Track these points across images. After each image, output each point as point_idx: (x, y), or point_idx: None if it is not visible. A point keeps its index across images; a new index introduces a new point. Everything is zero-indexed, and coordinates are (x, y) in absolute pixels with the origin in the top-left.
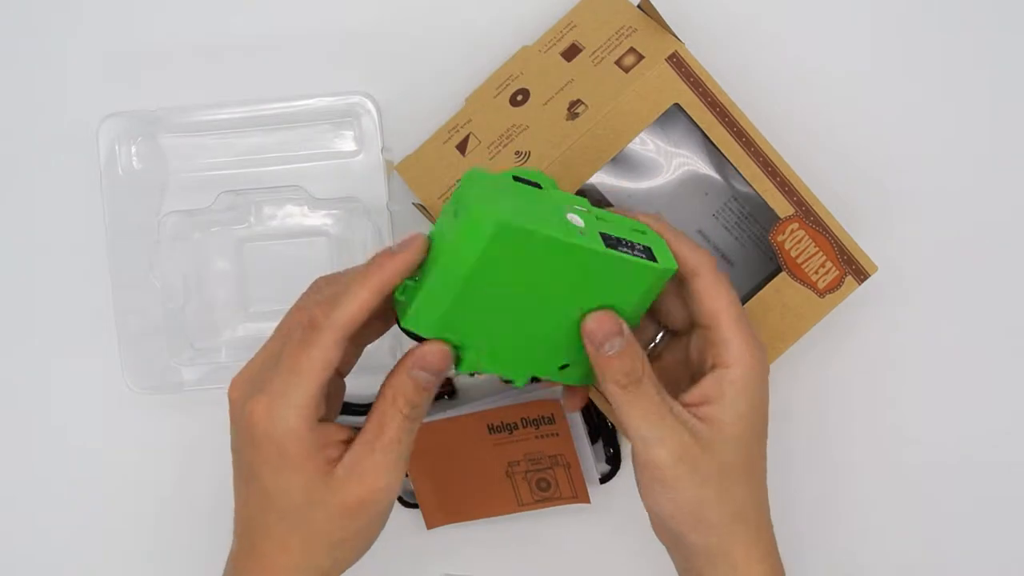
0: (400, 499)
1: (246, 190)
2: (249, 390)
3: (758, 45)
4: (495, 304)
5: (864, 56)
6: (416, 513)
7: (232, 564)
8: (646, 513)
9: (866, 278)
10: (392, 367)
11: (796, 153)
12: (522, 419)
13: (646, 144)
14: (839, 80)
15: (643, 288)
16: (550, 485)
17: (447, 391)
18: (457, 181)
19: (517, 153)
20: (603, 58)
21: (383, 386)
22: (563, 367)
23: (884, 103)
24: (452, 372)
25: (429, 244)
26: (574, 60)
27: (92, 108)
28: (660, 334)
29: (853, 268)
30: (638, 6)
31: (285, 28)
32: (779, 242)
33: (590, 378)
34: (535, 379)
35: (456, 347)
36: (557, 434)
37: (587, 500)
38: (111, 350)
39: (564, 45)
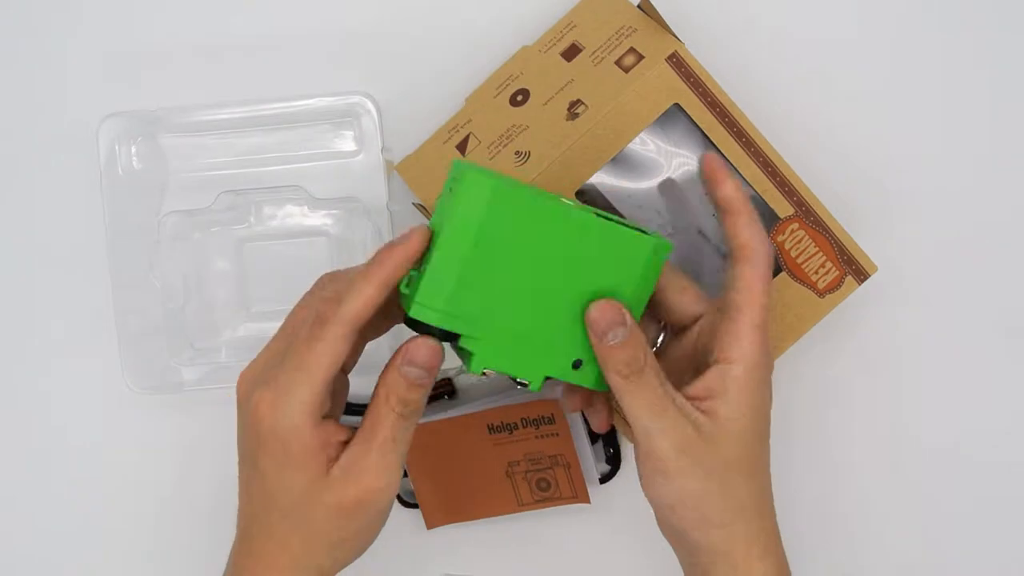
0: (400, 499)
1: (246, 190)
2: (256, 385)
3: (758, 45)
4: (499, 286)
5: (864, 56)
6: (416, 513)
7: (233, 559)
8: (647, 513)
9: (866, 278)
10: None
11: (796, 153)
12: (522, 419)
13: (646, 144)
14: (839, 80)
15: (641, 263)
16: (550, 485)
17: (447, 391)
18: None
19: (517, 153)
20: (603, 58)
21: (377, 385)
22: (577, 366)
23: (884, 103)
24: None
25: (429, 234)
26: (574, 60)
27: (92, 108)
28: (661, 336)
29: (853, 268)
30: (638, 6)
31: (285, 28)
32: (779, 242)
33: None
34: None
35: (465, 347)
36: (557, 434)
37: (587, 500)
38: (111, 350)
39: (564, 45)
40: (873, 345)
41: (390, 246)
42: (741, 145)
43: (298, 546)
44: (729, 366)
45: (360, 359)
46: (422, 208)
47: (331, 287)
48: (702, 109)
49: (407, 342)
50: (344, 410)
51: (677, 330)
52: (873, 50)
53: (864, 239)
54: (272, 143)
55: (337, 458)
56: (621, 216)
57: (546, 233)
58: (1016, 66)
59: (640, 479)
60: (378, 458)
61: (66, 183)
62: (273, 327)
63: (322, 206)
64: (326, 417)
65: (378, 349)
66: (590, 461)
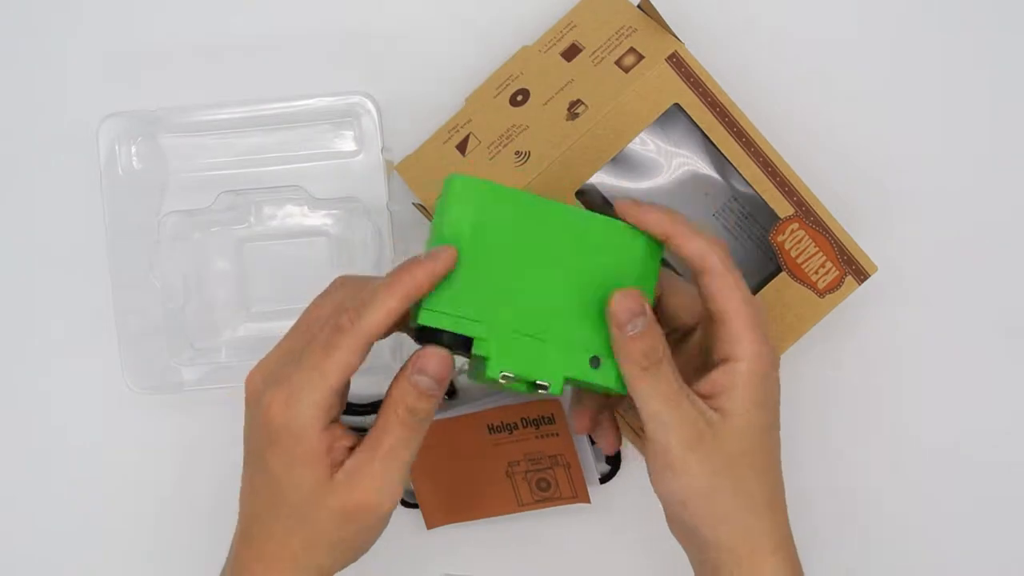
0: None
1: (246, 190)
2: (268, 383)
3: (758, 45)
4: (504, 285)
5: (864, 56)
6: (416, 513)
7: (233, 553)
8: (647, 513)
9: (866, 278)
10: (395, 369)
11: (796, 153)
12: (522, 419)
13: (646, 144)
14: (839, 80)
15: (638, 259)
16: (550, 485)
17: (447, 391)
18: None
19: (517, 153)
20: (603, 58)
21: (386, 394)
22: (595, 364)
23: (884, 103)
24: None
25: (456, 254)
26: (574, 60)
27: (92, 108)
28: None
29: (853, 268)
30: (638, 6)
31: (285, 28)
32: (779, 242)
33: (623, 388)
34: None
35: (479, 353)
36: (557, 434)
37: (587, 500)
38: (111, 350)
39: (564, 45)
40: (873, 345)
41: (417, 261)
42: (741, 145)
43: (299, 542)
44: (735, 364)
45: None
46: (422, 208)
47: (353, 296)
48: (702, 109)
49: (418, 351)
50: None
51: (680, 334)
52: (873, 50)
53: (864, 239)
54: (272, 143)
55: (342, 463)
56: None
57: (541, 230)
58: (1016, 66)
59: (650, 475)
60: (382, 466)
61: (66, 183)
62: (273, 327)
63: (322, 206)
64: (333, 421)
65: (378, 349)
66: (590, 461)
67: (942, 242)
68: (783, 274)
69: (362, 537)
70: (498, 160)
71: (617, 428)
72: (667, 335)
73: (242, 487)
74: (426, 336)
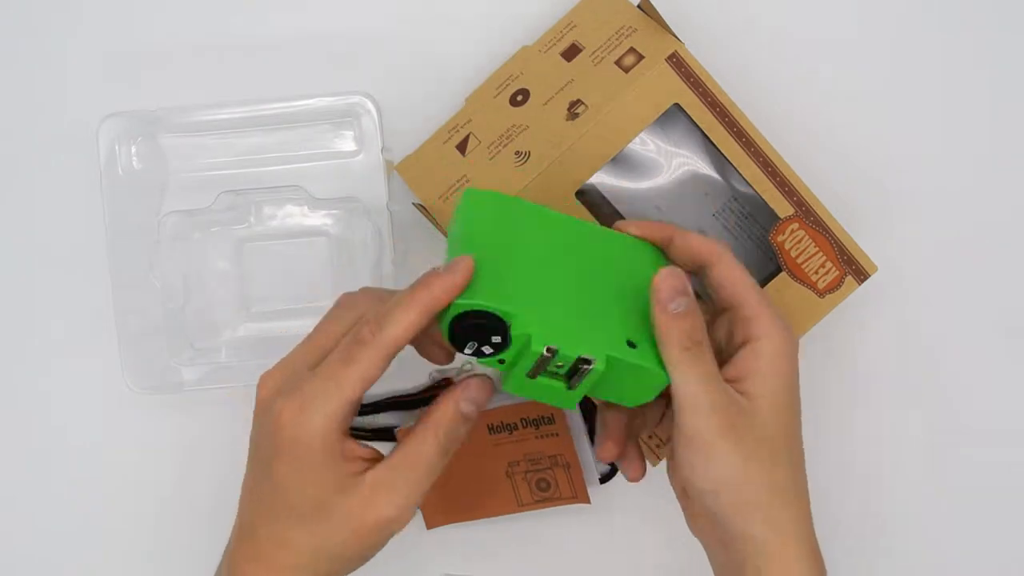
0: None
1: (246, 190)
2: (279, 392)
3: (758, 45)
4: (529, 283)
5: (864, 56)
6: (416, 513)
7: (229, 557)
8: (646, 513)
9: (866, 278)
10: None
11: (796, 153)
12: (522, 419)
13: (646, 144)
14: (839, 80)
15: (649, 261)
16: (550, 485)
17: None
18: (457, 181)
19: (517, 153)
20: (603, 58)
21: (423, 418)
22: (632, 346)
23: (884, 103)
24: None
25: (474, 266)
26: (574, 60)
27: (92, 108)
28: None
29: (853, 268)
30: (638, 6)
31: (285, 28)
32: (779, 242)
33: (662, 374)
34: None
35: (520, 331)
36: (557, 434)
37: (587, 500)
38: (111, 350)
39: (564, 45)
40: (873, 345)
41: (436, 274)
42: (741, 145)
43: (301, 549)
44: (758, 343)
45: None
46: (422, 208)
47: (372, 309)
48: (702, 109)
49: (464, 381)
50: None
51: None
52: (873, 50)
53: (864, 239)
54: (272, 143)
55: (360, 474)
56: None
57: (555, 238)
58: (1016, 66)
59: (678, 468)
60: (408, 485)
61: (66, 183)
62: (273, 327)
63: (322, 206)
64: (345, 433)
65: None
66: (590, 461)
67: (942, 242)
68: (783, 274)
69: (370, 551)
70: (498, 160)
71: (642, 456)
72: None
73: (244, 491)
74: (460, 333)
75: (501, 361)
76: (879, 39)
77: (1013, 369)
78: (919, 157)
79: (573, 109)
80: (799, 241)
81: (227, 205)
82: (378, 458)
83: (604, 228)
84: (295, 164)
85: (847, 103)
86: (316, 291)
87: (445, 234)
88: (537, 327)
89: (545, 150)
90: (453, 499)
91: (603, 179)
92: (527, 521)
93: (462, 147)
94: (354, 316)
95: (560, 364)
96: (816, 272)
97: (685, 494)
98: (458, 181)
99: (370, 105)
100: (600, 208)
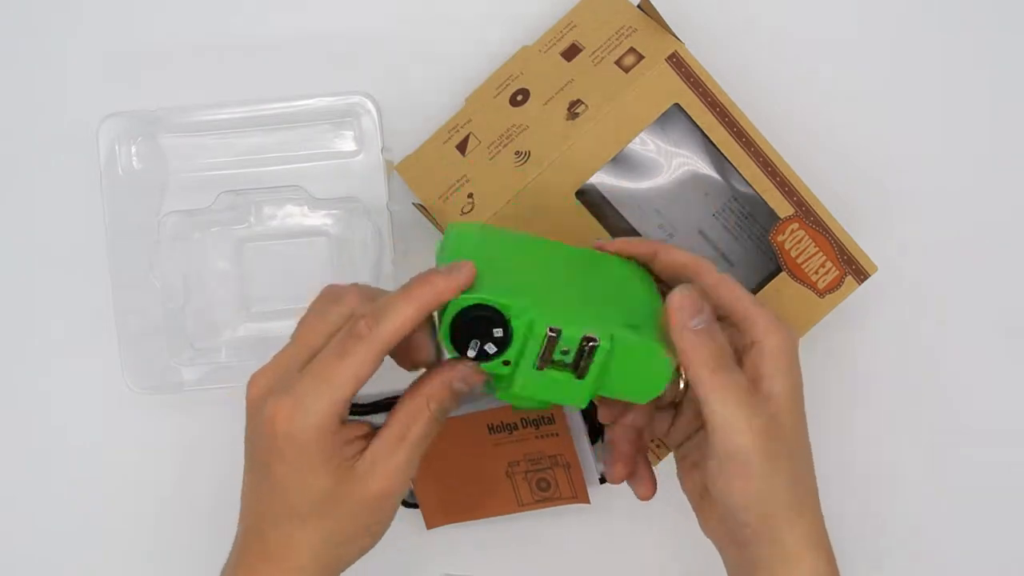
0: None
1: (246, 190)
2: (270, 392)
3: (758, 45)
4: (525, 291)
5: (864, 56)
6: (416, 513)
7: (236, 557)
8: (646, 513)
9: (866, 278)
10: (392, 367)
11: (796, 153)
12: (522, 419)
13: (646, 144)
14: (839, 80)
15: (639, 275)
16: (550, 485)
17: None
18: (457, 181)
19: (517, 153)
20: (603, 58)
21: (413, 390)
22: (633, 329)
23: (884, 103)
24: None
25: (475, 271)
26: (574, 60)
27: (92, 108)
28: (681, 383)
29: (853, 268)
30: (638, 6)
31: (285, 28)
32: (779, 242)
33: (667, 358)
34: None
35: (520, 319)
36: (557, 434)
37: (587, 500)
38: (111, 350)
39: (564, 45)
40: (873, 345)
41: (436, 272)
42: (741, 145)
43: (307, 544)
44: (763, 343)
45: None
46: (422, 208)
47: (364, 304)
48: (702, 109)
49: (460, 364)
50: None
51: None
52: (873, 50)
53: (864, 239)
54: (272, 143)
55: (359, 453)
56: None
57: (542, 258)
58: (1016, 66)
59: (707, 483)
60: (406, 455)
61: (66, 183)
62: (273, 327)
63: (322, 206)
64: (343, 421)
65: None
66: (590, 461)
67: (942, 242)
68: (783, 274)
69: (381, 523)
70: (498, 160)
71: (653, 473)
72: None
73: (245, 493)
74: (462, 329)
75: (506, 363)
76: (879, 39)
77: (1013, 369)
78: (919, 157)
79: (573, 109)
80: (799, 241)
81: (227, 205)
82: (372, 432)
83: (590, 250)
84: (295, 164)
85: (847, 103)
86: (316, 291)
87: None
88: (538, 313)
89: (545, 150)
90: (453, 499)
91: (603, 179)
92: (527, 521)
93: (462, 147)
94: (340, 312)
95: (565, 350)
96: (816, 272)
97: (704, 500)
98: (458, 181)
99: (370, 105)
100: (600, 208)
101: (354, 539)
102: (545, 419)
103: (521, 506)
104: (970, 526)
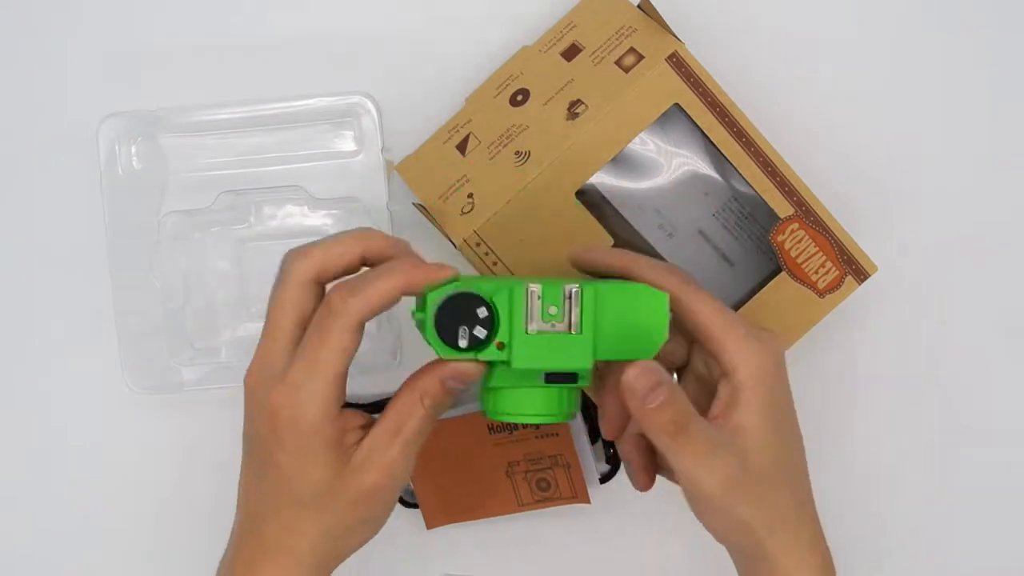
0: (400, 499)
1: (246, 190)
2: (266, 381)
3: (758, 45)
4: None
5: (864, 56)
6: (416, 513)
7: (236, 550)
8: (647, 513)
9: (866, 278)
10: (396, 370)
11: (796, 153)
12: None
13: (646, 144)
14: (839, 80)
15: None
16: (550, 485)
17: None
18: (457, 181)
19: (517, 153)
20: (603, 58)
21: (408, 384)
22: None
23: (884, 103)
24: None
25: (456, 276)
26: (574, 60)
27: (92, 108)
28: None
29: (853, 268)
30: (638, 6)
31: (285, 28)
32: (779, 242)
33: (660, 293)
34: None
35: (507, 298)
36: (557, 434)
37: (587, 500)
38: (111, 350)
39: (564, 45)
40: (873, 345)
41: (419, 257)
42: (741, 145)
43: (308, 533)
44: (731, 375)
45: (356, 359)
46: (422, 208)
47: (343, 282)
48: (702, 109)
49: (456, 363)
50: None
51: (682, 368)
52: (873, 50)
53: (864, 239)
54: (272, 143)
55: (356, 444)
56: None
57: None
58: (1016, 66)
59: (690, 507)
60: (401, 450)
61: (66, 183)
62: None
63: (322, 206)
64: (342, 407)
65: (378, 350)
66: (590, 461)
67: (942, 242)
68: (783, 274)
69: (378, 516)
70: (498, 160)
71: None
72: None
73: (243, 487)
74: (447, 316)
75: (500, 347)
76: (879, 39)
77: (1013, 369)
78: (919, 157)
79: (573, 109)
80: (799, 241)
81: (227, 205)
82: (371, 423)
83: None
84: (295, 164)
85: (847, 103)
86: None
87: (445, 234)
88: (517, 286)
89: (545, 150)
90: (453, 499)
91: (603, 179)
92: (527, 521)
93: (462, 147)
94: (295, 282)
95: (552, 309)
96: (816, 272)
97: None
98: (458, 181)
99: (370, 105)
100: (600, 208)
101: (351, 532)
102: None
103: (521, 506)
104: (970, 526)
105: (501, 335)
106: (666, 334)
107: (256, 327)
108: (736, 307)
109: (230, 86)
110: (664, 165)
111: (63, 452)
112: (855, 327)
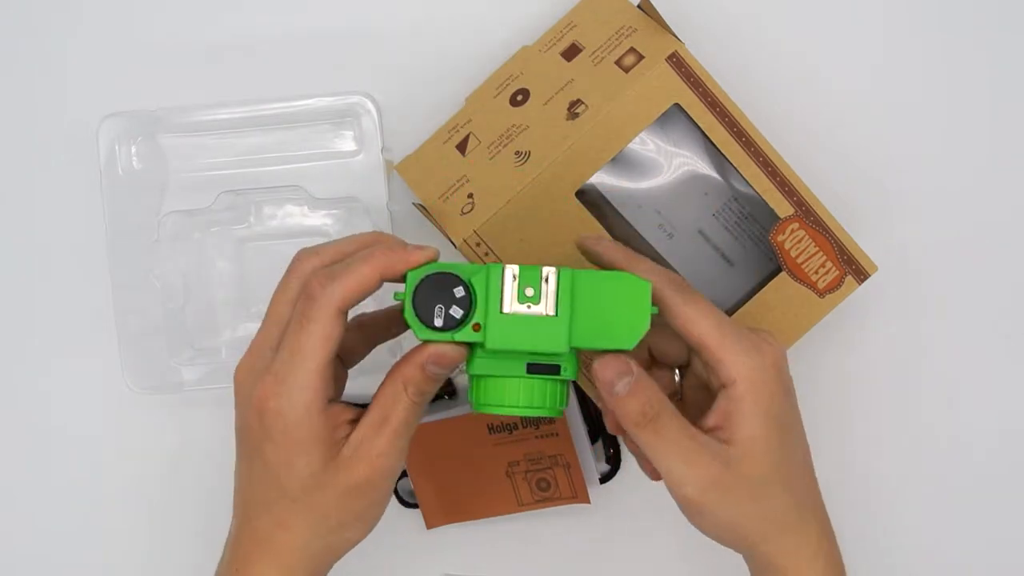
0: (400, 499)
1: (246, 190)
2: (255, 376)
3: (758, 45)
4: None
5: (864, 56)
6: (416, 513)
7: (232, 547)
8: (646, 513)
9: (866, 278)
10: (399, 360)
11: (796, 153)
12: (522, 419)
13: (646, 144)
14: (839, 80)
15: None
16: (550, 485)
17: (447, 391)
18: (457, 181)
19: (517, 153)
20: (603, 58)
21: (391, 373)
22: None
23: (884, 103)
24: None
25: (436, 257)
26: (574, 60)
27: (92, 108)
28: (677, 376)
29: (853, 268)
30: (638, 6)
31: (285, 28)
32: (779, 242)
33: (641, 280)
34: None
35: (482, 278)
36: (557, 434)
37: (587, 500)
38: (111, 350)
39: (564, 45)
40: (873, 345)
41: (398, 240)
42: (741, 145)
43: (301, 527)
44: (731, 387)
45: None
46: (422, 208)
47: (322, 269)
48: (702, 109)
49: (434, 346)
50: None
51: (684, 367)
52: (873, 50)
53: (864, 239)
54: (272, 143)
55: (346, 438)
56: None
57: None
58: (1016, 66)
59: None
60: (389, 441)
61: (66, 183)
62: None
63: (322, 206)
64: (332, 400)
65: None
66: (590, 461)
67: (942, 242)
68: (783, 274)
69: (370, 511)
70: (498, 160)
71: None
72: (677, 377)
73: (238, 481)
74: (424, 294)
75: (476, 328)
76: (879, 39)
77: (1013, 369)
78: (919, 157)
79: (573, 109)
80: (799, 241)
81: (227, 205)
82: (359, 417)
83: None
84: (295, 164)
85: (847, 103)
86: None
87: (445, 234)
88: (495, 268)
89: (545, 150)
90: (453, 499)
91: (603, 179)
92: (527, 521)
93: (462, 147)
94: (299, 279)
95: (529, 291)
96: (816, 272)
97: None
98: (458, 181)
99: (370, 105)
100: (600, 208)
101: (343, 528)
102: (545, 419)
103: (521, 506)
104: (970, 526)
105: (478, 316)
106: (647, 324)
107: (256, 327)
108: (736, 307)
109: (230, 86)
110: (664, 165)
111: (63, 452)
112: (855, 327)
